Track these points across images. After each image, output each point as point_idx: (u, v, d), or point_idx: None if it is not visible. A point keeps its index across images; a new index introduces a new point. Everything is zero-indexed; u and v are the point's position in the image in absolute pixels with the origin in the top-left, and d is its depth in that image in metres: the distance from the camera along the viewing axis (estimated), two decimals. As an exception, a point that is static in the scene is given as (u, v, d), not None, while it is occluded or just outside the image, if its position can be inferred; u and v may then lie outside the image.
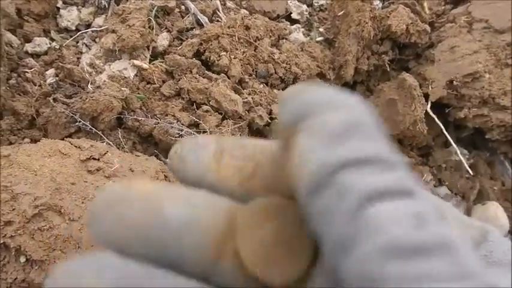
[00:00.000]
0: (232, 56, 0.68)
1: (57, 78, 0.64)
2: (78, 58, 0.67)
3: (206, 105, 0.66)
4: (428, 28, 0.76)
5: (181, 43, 0.71)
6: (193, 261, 0.22)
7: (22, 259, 0.45)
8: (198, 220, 0.22)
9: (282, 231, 0.22)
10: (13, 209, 0.45)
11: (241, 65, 0.68)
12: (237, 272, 0.22)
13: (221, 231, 0.22)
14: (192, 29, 0.74)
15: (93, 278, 0.20)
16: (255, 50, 0.70)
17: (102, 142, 0.61)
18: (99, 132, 0.62)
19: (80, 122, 0.59)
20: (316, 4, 0.82)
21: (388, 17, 0.73)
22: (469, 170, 0.72)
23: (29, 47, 0.67)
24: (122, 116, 0.63)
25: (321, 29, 0.78)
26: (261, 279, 0.21)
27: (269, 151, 0.24)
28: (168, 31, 0.72)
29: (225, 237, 0.22)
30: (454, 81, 0.71)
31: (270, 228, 0.22)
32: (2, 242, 0.44)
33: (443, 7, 0.84)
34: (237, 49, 0.69)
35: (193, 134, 0.68)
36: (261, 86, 0.69)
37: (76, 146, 0.50)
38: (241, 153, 0.24)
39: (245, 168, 0.24)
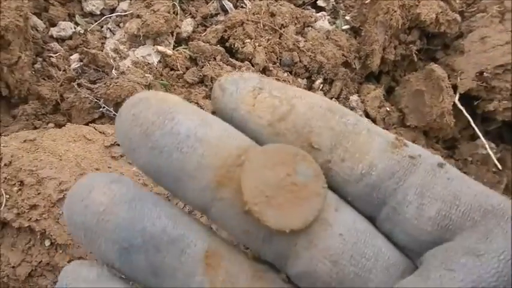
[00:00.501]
0: (257, 44, 0.67)
1: (81, 63, 0.64)
2: (102, 43, 0.67)
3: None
4: (458, 18, 0.73)
5: (206, 29, 0.70)
6: (194, 181, 0.22)
7: (47, 243, 0.46)
8: (208, 140, 0.22)
9: (293, 178, 0.22)
10: (38, 193, 0.45)
11: (266, 53, 0.67)
12: (235, 208, 0.22)
13: (230, 160, 0.22)
14: (216, 15, 0.73)
15: (101, 191, 0.22)
16: (279, 38, 0.69)
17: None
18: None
19: (103, 107, 0.59)
20: (342, -9, 0.81)
21: (417, 5, 0.71)
22: (497, 163, 0.70)
23: (54, 31, 0.67)
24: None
25: (347, 17, 0.76)
26: (258, 219, 0.21)
27: (309, 99, 0.24)
28: (192, 17, 0.71)
29: (232, 167, 0.22)
30: (484, 73, 0.69)
31: (281, 172, 0.22)
32: (27, 225, 0.45)
33: (474, -4, 0.82)
34: (261, 36, 0.68)
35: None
36: (285, 74, 0.68)
37: (100, 132, 0.51)
38: (280, 93, 0.24)
39: (280, 108, 0.24)
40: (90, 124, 0.55)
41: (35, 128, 0.59)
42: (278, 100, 0.24)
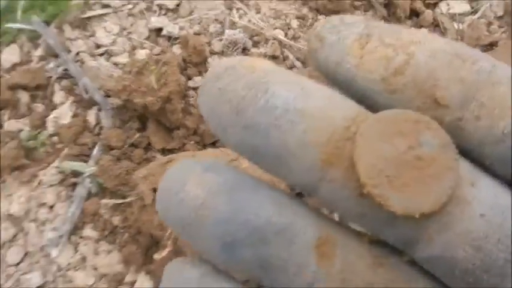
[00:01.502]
0: None
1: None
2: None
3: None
4: None
5: None
6: (297, 161, 0.19)
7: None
8: (309, 112, 0.18)
9: (417, 151, 0.18)
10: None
11: None
12: (348, 190, 0.18)
13: (337, 134, 0.18)
14: None
15: (196, 182, 0.19)
16: None
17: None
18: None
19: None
20: None
21: None
22: None
23: (190, 83, 1.06)
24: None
25: None
26: (381, 203, 0.18)
27: (432, 44, 0.19)
28: None
29: (341, 142, 0.18)
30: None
31: (401, 144, 0.18)
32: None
33: None
34: None
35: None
36: None
37: (223, 152, 0.88)
38: (394, 40, 0.19)
39: (395, 59, 0.19)
40: (216, 143, 0.93)
41: (183, 144, 0.98)
42: (392, 49, 0.19)
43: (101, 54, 1.01)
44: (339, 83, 0.20)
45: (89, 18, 1.04)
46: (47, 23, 1.00)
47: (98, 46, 1.02)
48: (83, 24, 1.03)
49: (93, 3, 1.05)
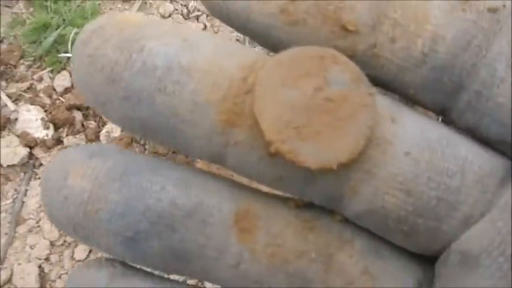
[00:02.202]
0: None
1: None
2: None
3: None
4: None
5: None
6: (194, 128, 0.16)
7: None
8: (197, 67, 0.15)
9: (325, 92, 0.15)
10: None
11: None
12: (257, 150, 0.16)
13: (235, 86, 0.15)
14: None
15: (79, 173, 0.16)
16: None
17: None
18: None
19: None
20: None
21: None
22: None
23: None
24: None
25: None
26: (292, 160, 0.15)
27: None
28: None
29: (241, 96, 0.15)
30: None
31: (307, 87, 0.15)
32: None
33: None
34: None
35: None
36: None
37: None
38: None
39: None
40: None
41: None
42: None
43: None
44: (234, 25, 0.17)
45: (128, 45, 1.19)
46: (93, 51, 1.15)
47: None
48: (123, 50, 1.18)
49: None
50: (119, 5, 1.22)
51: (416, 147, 0.16)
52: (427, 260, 0.18)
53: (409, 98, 0.17)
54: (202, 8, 1.23)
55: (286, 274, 0.17)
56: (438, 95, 0.17)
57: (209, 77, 0.16)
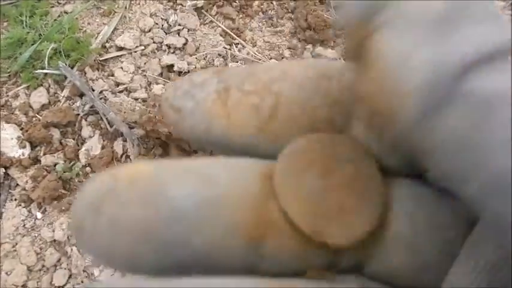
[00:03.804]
0: None
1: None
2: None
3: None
4: None
5: None
6: (227, 251, 0.16)
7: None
8: (216, 197, 0.16)
9: (337, 175, 0.16)
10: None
11: None
12: (289, 250, 0.16)
13: (256, 202, 0.16)
14: None
15: None
16: None
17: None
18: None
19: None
20: None
21: None
22: None
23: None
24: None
25: None
26: (317, 241, 0.16)
27: (293, 75, 0.17)
28: None
29: (263, 209, 0.16)
30: None
31: (320, 172, 0.16)
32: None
33: None
34: None
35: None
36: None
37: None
38: (254, 85, 0.17)
39: (263, 105, 0.17)
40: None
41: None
42: (255, 95, 0.17)
43: (121, 91, 1.13)
44: (215, 147, 0.18)
45: (107, 60, 1.16)
46: (71, 67, 1.12)
47: (118, 84, 1.14)
48: (102, 66, 1.15)
49: (109, 47, 1.17)
50: (97, 19, 1.19)
51: (413, 205, 0.17)
52: None
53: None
54: (183, 22, 1.21)
55: None
56: (416, 169, 0.17)
57: (234, 202, 0.16)
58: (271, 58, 1.24)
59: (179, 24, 1.21)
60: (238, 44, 1.25)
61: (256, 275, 0.16)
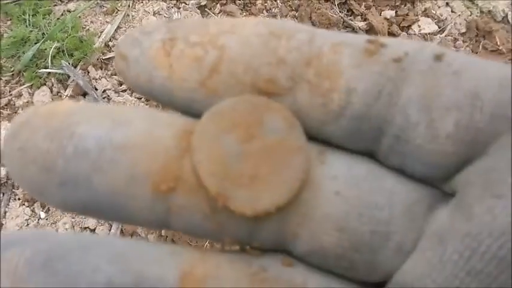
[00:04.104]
0: None
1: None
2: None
3: None
4: None
5: None
6: (135, 201, 0.16)
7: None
8: (132, 142, 0.16)
9: (261, 141, 0.16)
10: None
11: None
12: (200, 210, 0.16)
13: (171, 154, 0.16)
14: None
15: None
16: None
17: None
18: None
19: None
20: None
21: None
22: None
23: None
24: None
25: None
26: (227, 207, 0.16)
27: (243, 30, 0.17)
28: None
29: (177, 161, 0.16)
30: None
31: (243, 137, 0.16)
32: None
33: None
34: None
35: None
36: None
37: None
38: (200, 37, 0.17)
39: (206, 57, 0.16)
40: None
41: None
42: (200, 47, 0.16)
43: (124, 91, 1.13)
44: (158, 99, 0.17)
45: (110, 59, 1.16)
46: (74, 66, 1.11)
47: (121, 83, 1.13)
48: (105, 65, 1.15)
49: (112, 45, 1.17)
50: (100, 18, 1.19)
51: (345, 185, 0.17)
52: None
53: (334, 146, 0.18)
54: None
55: None
56: (360, 142, 0.17)
57: (144, 150, 0.16)
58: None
59: (182, 23, 1.21)
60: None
61: (168, 230, 0.16)
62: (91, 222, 1.00)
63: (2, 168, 1.00)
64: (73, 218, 1.00)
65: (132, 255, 0.16)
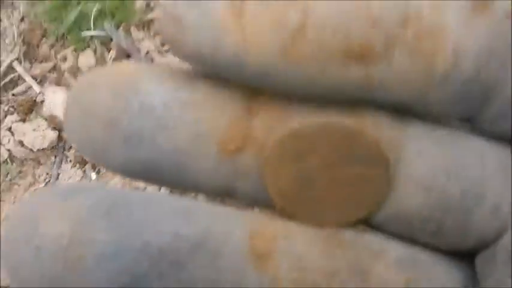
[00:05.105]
0: None
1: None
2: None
3: None
4: None
5: None
6: (200, 161, 0.15)
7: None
8: (199, 100, 0.15)
9: (342, 170, 0.15)
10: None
11: None
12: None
13: (239, 113, 0.15)
14: None
15: (53, 216, 0.14)
16: None
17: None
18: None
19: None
20: None
21: None
22: None
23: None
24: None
25: None
26: (297, 220, 0.16)
27: None
28: None
29: (245, 122, 0.15)
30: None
31: (324, 162, 0.15)
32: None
33: None
34: None
35: None
36: None
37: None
38: None
39: (288, 19, 0.14)
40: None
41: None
42: (279, 8, 0.14)
43: (168, 51, 1.11)
44: (224, 73, 0.15)
45: (152, 20, 1.14)
46: (116, 27, 1.11)
47: (163, 44, 1.12)
48: (147, 25, 1.13)
49: (153, 6, 1.15)
50: (140, -22, 1.16)
51: (429, 144, 0.15)
52: (465, 259, 0.17)
53: (434, 115, 0.16)
54: None
55: None
56: (465, 108, 0.15)
57: (210, 107, 0.15)
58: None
59: None
60: None
61: (233, 199, 0.16)
62: (142, 185, 1.02)
63: (51, 132, 1.02)
64: (123, 179, 1.02)
65: (197, 211, 0.15)
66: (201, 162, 0.15)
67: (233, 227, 0.15)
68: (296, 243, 0.15)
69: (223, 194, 0.16)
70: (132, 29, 1.12)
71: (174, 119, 0.15)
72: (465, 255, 0.16)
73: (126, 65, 0.16)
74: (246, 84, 0.15)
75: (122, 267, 0.14)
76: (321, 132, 0.15)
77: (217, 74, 0.15)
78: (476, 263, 0.16)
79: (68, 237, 0.14)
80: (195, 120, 0.15)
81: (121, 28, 1.11)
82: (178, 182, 0.16)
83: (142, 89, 0.15)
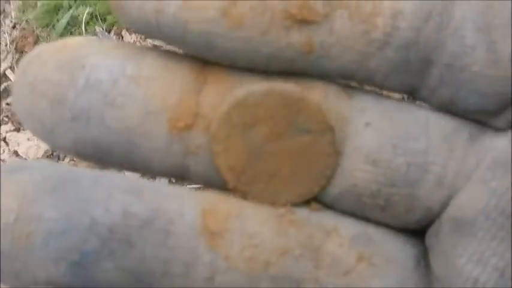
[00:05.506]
0: None
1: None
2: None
3: None
4: None
5: None
6: (150, 139, 0.15)
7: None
8: (147, 75, 0.14)
9: (288, 141, 0.15)
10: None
11: None
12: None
13: (188, 90, 0.15)
14: None
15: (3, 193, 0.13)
16: None
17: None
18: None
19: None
20: None
21: None
22: None
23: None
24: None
25: None
26: (246, 197, 0.15)
27: None
28: None
29: (194, 95, 0.15)
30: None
31: (269, 133, 0.15)
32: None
33: None
34: None
35: None
36: None
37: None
38: None
39: None
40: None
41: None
42: None
43: (160, 54, 1.10)
44: (167, 37, 0.14)
45: (143, 21, 1.13)
46: (108, 31, 1.09)
47: (155, 46, 1.10)
48: (138, 28, 1.12)
49: (145, 7, 1.13)
50: (131, -22, 1.15)
51: (375, 116, 0.15)
52: (416, 235, 0.17)
53: (375, 85, 0.16)
54: None
55: (271, 278, 0.15)
56: (406, 76, 0.15)
57: (159, 82, 0.15)
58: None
59: None
60: None
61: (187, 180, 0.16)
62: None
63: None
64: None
65: (148, 189, 0.15)
66: (152, 141, 0.15)
67: (185, 205, 0.15)
68: (249, 222, 0.15)
69: (176, 175, 0.15)
70: (124, 33, 1.10)
71: (123, 96, 0.14)
72: (418, 232, 0.16)
73: (73, 40, 0.15)
74: (190, 52, 0.15)
75: (70, 244, 0.13)
76: (265, 100, 0.15)
77: (162, 40, 0.15)
78: (425, 237, 0.16)
79: (16, 213, 0.13)
80: (144, 97, 0.14)
81: (112, 32, 1.10)
82: (130, 162, 0.15)
83: (88, 64, 0.14)
